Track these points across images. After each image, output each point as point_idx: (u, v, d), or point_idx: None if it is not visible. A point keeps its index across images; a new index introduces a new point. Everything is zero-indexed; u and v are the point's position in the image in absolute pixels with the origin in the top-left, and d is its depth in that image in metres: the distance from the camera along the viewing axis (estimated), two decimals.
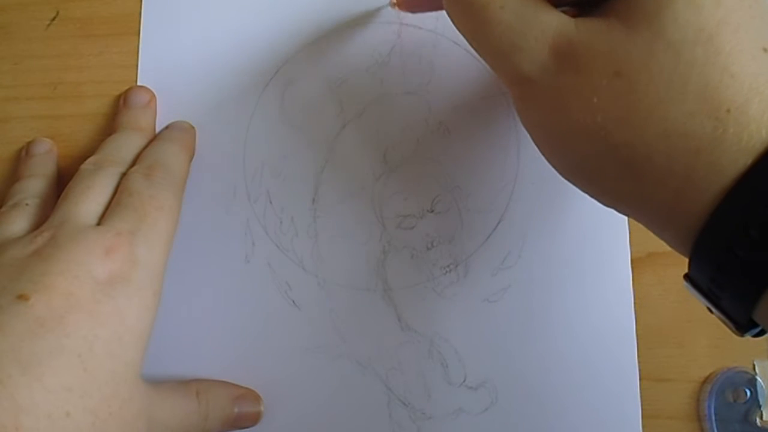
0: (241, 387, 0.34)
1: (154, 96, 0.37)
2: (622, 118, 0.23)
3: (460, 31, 0.27)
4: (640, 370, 0.34)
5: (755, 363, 0.33)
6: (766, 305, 0.21)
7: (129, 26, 0.38)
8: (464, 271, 0.35)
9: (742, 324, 0.23)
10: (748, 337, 0.23)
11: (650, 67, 0.22)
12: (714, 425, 0.33)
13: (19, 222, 0.32)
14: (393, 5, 0.35)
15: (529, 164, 0.35)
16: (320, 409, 0.35)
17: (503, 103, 0.36)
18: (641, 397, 0.33)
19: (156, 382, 0.31)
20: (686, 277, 0.24)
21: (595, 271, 0.35)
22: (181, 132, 0.36)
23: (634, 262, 0.34)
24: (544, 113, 0.25)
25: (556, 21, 0.24)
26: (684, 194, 0.22)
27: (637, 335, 0.34)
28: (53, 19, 0.39)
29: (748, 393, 0.33)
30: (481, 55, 0.27)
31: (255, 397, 0.34)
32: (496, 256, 0.35)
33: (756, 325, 0.23)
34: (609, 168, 0.24)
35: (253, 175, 0.37)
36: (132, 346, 0.28)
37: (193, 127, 0.37)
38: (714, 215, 0.22)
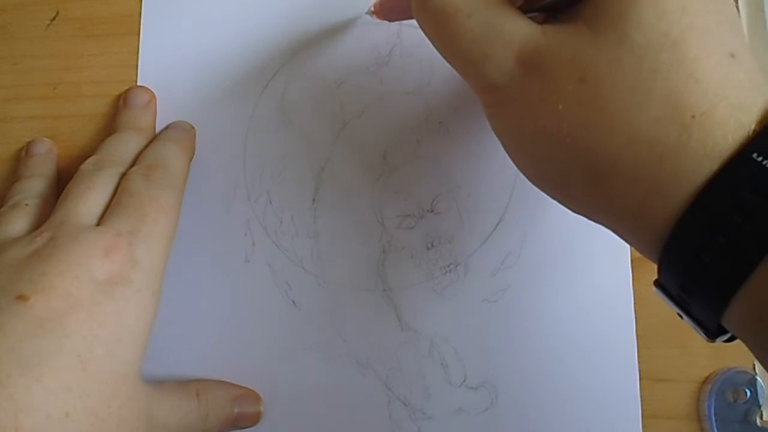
0: (241, 387, 0.34)
1: (154, 96, 0.37)
2: (587, 124, 0.23)
3: (429, 39, 0.27)
4: (640, 370, 0.34)
5: (755, 363, 0.33)
6: (734, 311, 0.21)
7: (129, 26, 0.38)
8: (464, 271, 0.35)
9: (712, 330, 0.23)
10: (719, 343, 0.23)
11: (614, 73, 0.22)
12: (714, 425, 0.33)
13: (18, 222, 0.32)
14: (371, 14, 0.35)
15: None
16: (320, 409, 0.35)
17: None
18: (641, 397, 0.33)
19: (156, 382, 0.31)
20: (656, 283, 0.24)
21: (595, 271, 0.35)
22: (181, 132, 0.36)
23: (634, 262, 0.34)
24: (512, 120, 0.25)
25: (523, 28, 0.24)
26: (650, 201, 0.22)
27: (637, 335, 0.34)
28: (53, 19, 0.39)
29: (748, 393, 0.33)
30: (450, 64, 0.27)
31: (255, 397, 0.34)
32: (496, 256, 0.35)
33: (725, 331, 0.22)
34: (575, 175, 0.24)
35: (253, 175, 0.37)
36: (131, 347, 0.28)
37: (193, 127, 0.37)
38: (681, 222, 0.22)
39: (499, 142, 0.36)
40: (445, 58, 0.27)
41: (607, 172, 0.23)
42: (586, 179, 0.24)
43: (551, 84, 0.23)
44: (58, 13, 0.39)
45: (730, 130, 0.21)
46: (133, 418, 0.28)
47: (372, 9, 0.35)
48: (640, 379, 0.34)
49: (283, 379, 0.35)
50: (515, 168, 0.35)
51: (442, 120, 0.36)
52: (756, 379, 0.33)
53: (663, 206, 0.22)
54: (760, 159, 0.20)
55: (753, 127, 0.21)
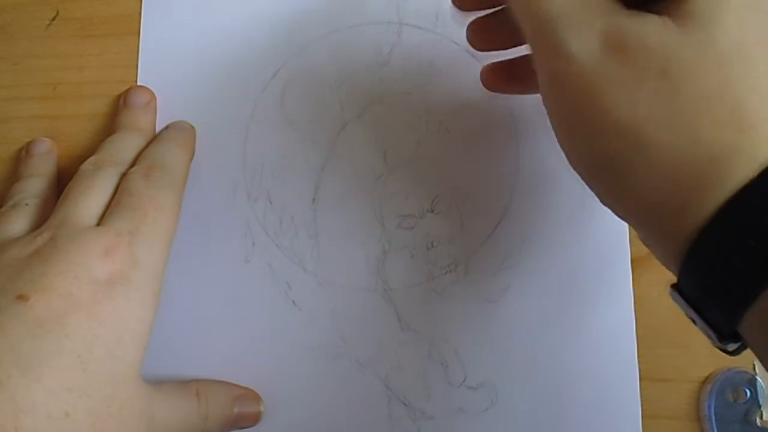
0: (241, 387, 0.34)
1: (154, 96, 0.37)
2: (660, 117, 0.23)
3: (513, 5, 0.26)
4: (640, 370, 0.34)
5: (755, 363, 0.33)
6: (756, 315, 0.21)
7: (129, 26, 0.38)
8: (464, 271, 0.35)
9: (725, 334, 0.23)
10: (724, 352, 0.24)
11: (696, 71, 0.23)
12: (714, 425, 0.33)
13: (18, 222, 0.32)
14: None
15: (529, 164, 0.35)
16: (320, 409, 0.35)
17: (503, 103, 0.36)
18: (641, 397, 0.33)
19: (156, 383, 0.31)
20: (674, 286, 0.24)
21: (595, 271, 0.35)
22: (181, 132, 0.36)
23: (634, 261, 0.34)
24: (576, 99, 0.25)
25: (612, 7, 0.24)
26: (692, 198, 0.22)
27: (637, 335, 0.34)
28: (53, 19, 0.39)
29: (748, 393, 0.33)
30: (526, 25, 0.26)
31: (255, 397, 0.34)
32: (497, 256, 0.35)
33: (735, 340, 0.23)
34: (630, 166, 0.24)
35: (253, 175, 0.37)
36: (132, 347, 0.28)
37: (193, 127, 0.37)
38: (715, 222, 0.22)
39: (498, 142, 0.36)
40: (523, 18, 0.26)
41: (665, 166, 0.23)
42: (638, 173, 0.24)
43: (632, 70, 0.23)
44: (58, 13, 0.39)
45: None
46: (133, 419, 0.28)
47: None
48: (640, 379, 0.34)
49: (283, 379, 0.35)
50: (515, 168, 0.35)
51: (442, 120, 0.36)
52: (756, 379, 0.33)
53: (701, 206, 0.22)
54: None
55: None
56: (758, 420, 0.32)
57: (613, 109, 0.24)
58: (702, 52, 0.23)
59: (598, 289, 0.34)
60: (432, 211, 0.36)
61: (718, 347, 0.24)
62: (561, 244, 0.35)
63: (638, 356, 0.34)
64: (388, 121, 0.36)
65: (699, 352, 0.34)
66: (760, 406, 0.33)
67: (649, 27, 0.24)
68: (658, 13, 0.24)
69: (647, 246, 0.26)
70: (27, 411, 0.24)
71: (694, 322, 0.24)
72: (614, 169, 0.24)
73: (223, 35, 0.38)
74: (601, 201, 0.26)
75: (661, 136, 0.23)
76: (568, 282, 0.35)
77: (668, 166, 0.23)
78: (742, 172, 0.22)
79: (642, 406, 0.33)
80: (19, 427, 0.24)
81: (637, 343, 0.34)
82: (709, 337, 0.24)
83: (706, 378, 0.34)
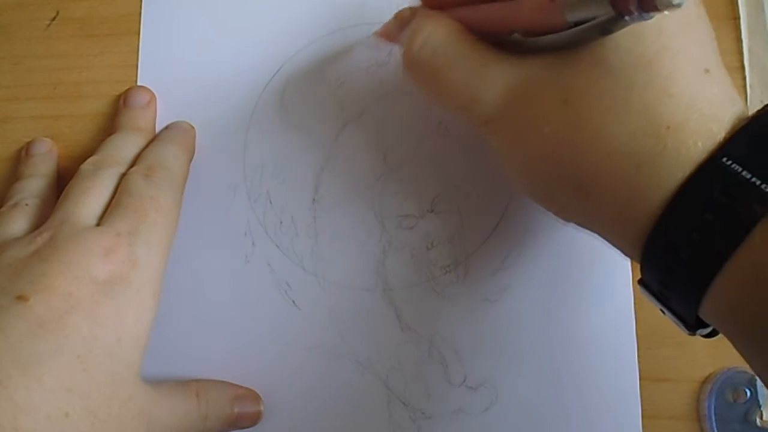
0: (241, 387, 0.34)
1: (154, 96, 0.37)
2: (570, 142, 0.25)
3: (422, 91, 0.30)
4: (640, 370, 0.34)
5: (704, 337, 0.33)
6: (709, 304, 0.23)
7: (129, 26, 0.38)
8: (464, 271, 0.35)
9: (691, 323, 0.24)
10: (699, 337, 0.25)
11: (593, 92, 0.24)
12: (714, 425, 0.33)
13: (18, 222, 0.32)
14: (378, 36, 0.36)
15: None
16: (320, 409, 0.35)
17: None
18: (641, 397, 0.33)
19: (156, 383, 0.31)
20: (640, 282, 0.26)
21: (595, 271, 0.35)
22: (181, 132, 0.36)
23: (634, 262, 0.34)
24: (505, 146, 0.28)
25: (505, 66, 0.27)
26: (630, 207, 0.24)
27: (637, 335, 0.34)
28: (53, 19, 0.39)
29: (748, 393, 0.33)
30: (443, 109, 0.29)
31: (255, 397, 0.34)
32: (496, 256, 0.35)
33: (704, 326, 0.24)
34: (561, 189, 0.26)
35: (253, 175, 0.37)
36: (131, 347, 0.28)
37: (192, 128, 0.37)
38: (659, 223, 0.23)
39: None
40: (440, 105, 0.30)
41: (590, 183, 0.25)
42: (571, 192, 0.26)
43: (536, 109, 0.26)
44: (58, 13, 0.39)
45: (702, 139, 0.23)
46: (132, 419, 0.28)
47: (378, 32, 0.35)
48: (640, 379, 0.34)
49: (283, 379, 0.35)
50: None
51: (442, 120, 0.36)
52: (756, 379, 0.33)
53: (642, 210, 0.24)
54: (729, 163, 0.22)
55: (723, 135, 0.23)
56: (758, 420, 0.33)
57: (533, 145, 0.26)
58: (594, 72, 0.24)
59: (598, 289, 0.34)
60: (432, 211, 0.36)
61: (690, 334, 0.25)
62: (560, 244, 0.35)
63: (638, 356, 0.34)
64: (388, 121, 0.36)
65: (699, 352, 0.34)
66: (760, 406, 0.33)
67: (545, 65, 0.26)
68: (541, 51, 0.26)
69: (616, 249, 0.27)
70: (26, 411, 0.24)
71: (663, 312, 0.26)
72: (552, 194, 0.27)
73: (223, 35, 0.38)
74: (560, 219, 0.28)
75: (578, 158, 0.25)
76: (567, 282, 0.35)
77: (594, 182, 0.25)
78: (672, 174, 0.23)
79: (642, 406, 0.33)
80: (19, 428, 0.24)
81: (637, 343, 0.34)
82: (678, 326, 0.25)
83: (706, 378, 0.34)
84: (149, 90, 0.37)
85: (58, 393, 0.25)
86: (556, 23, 0.24)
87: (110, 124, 0.37)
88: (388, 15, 0.37)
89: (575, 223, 0.27)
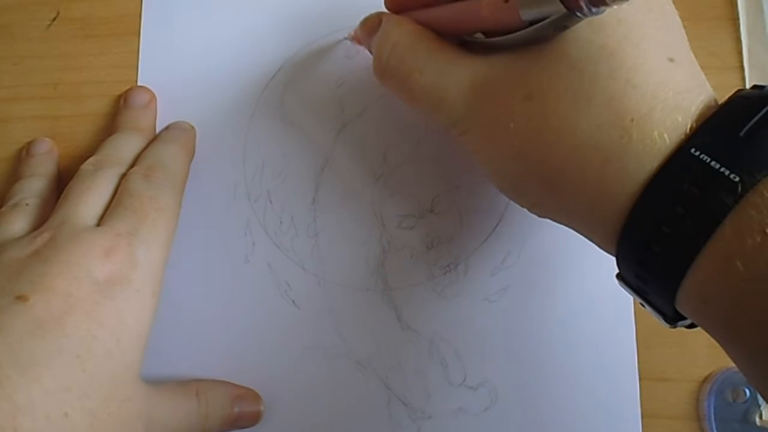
0: (241, 387, 0.34)
1: (154, 96, 0.37)
2: (535, 137, 0.25)
3: (396, 95, 0.30)
4: (640, 370, 0.34)
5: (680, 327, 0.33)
6: (683, 296, 0.23)
7: (129, 26, 0.39)
8: (464, 271, 0.35)
9: (670, 315, 0.24)
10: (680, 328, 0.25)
11: (556, 86, 0.24)
12: (713, 425, 0.33)
13: (18, 222, 0.32)
14: (351, 39, 0.37)
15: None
16: (320, 409, 0.35)
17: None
18: (641, 397, 0.33)
19: (156, 383, 0.31)
20: (618, 276, 0.26)
21: (594, 271, 0.35)
22: (181, 132, 0.36)
23: None
24: (477, 144, 0.28)
25: (471, 66, 0.27)
26: (600, 201, 0.24)
27: (637, 335, 0.34)
28: (54, 19, 0.39)
29: (748, 392, 0.33)
30: (419, 107, 0.29)
31: (255, 397, 0.34)
32: (496, 256, 0.35)
33: (683, 318, 0.24)
34: (530, 184, 0.26)
35: (253, 175, 0.37)
36: (131, 347, 0.28)
37: (193, 128, 0.37)
38: (629, 217, 0.23)
39: None
40: (411, 107, 0.30)
41: (557, 178, 0.25)
42: (541, 187, 0.25)
43: (501, 106, 0.25)
44: (58, 13, 0.39)
45: (668, 130, 0.22)
46: (132, 419, 0.28)
47: (351, 35, 0.36)
48: (640, 379, 0.34)
49: (283, 379, 0.35)
50: None
51: None
52: None
53: (612, 204, 0.23)
54: (698, 154, 0.21)
55: (690, 124, 0.23)
56: (757, 419, 0.33)
57: (501, 142, 0.26)
58: (557, 67, 0.24)
59: (597, 289, 0.34)
60: (432, 211, 0.36)
61: (671, 327, 0.25)
62: (560, 244, 0.35)
63: (638, 356, 0.34)
64: (388, 121, 0.36)
65: (699, 352, 0.34)
66: (759, 406, 0.33)
67: (508, 62, 0.26)
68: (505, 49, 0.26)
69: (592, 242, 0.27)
70: (26, 411, 0.24)
71: (643, 306, 0.25)
72: (522, 189, 0.27)
73: (223, 35, 0.38)
74: (535, 215, 0.28)
75: (544, 153, 0.25)
76: (567, 282, 0.35)
77: (561, 177, 0.24)
78: (640, 167, 0.23)
79: (642, 405, 0.33)
80: (18, 428, 0.24)
81: (637, 343, 0.34)
82: (658, 319, 0.25)
83: (706, 378, 0.34)
84: (149, 90, 0.37)
85: (57, 393, 0.25)
86: (513, 22, 0.24)
87: (110, 124, 0.37)
88: None
89: (550, 218, 0.27)
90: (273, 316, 0.35)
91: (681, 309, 0.23)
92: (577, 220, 0.26)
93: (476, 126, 0.27)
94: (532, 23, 0.24)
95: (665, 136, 0.22)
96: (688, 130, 0.23)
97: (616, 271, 0.26)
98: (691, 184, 0.21)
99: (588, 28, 0.24)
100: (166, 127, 0.37)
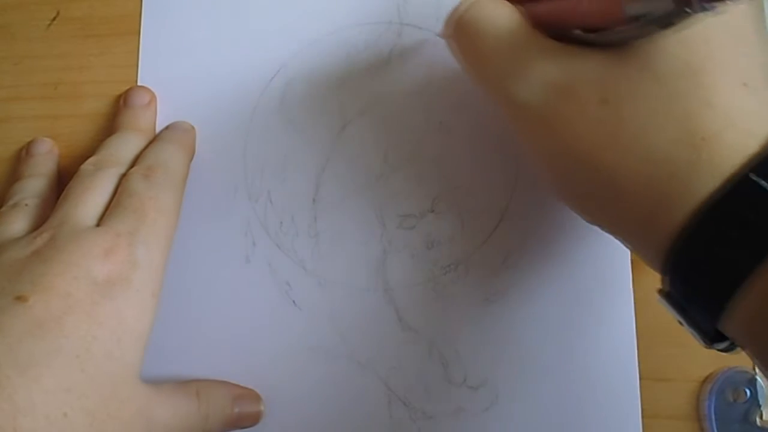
0: (241, 387, 0.34)
1: (154, 96, 0.37)
2: (607, 144, 0.24)
3: (456, 57, 0.29)
4: (640, 370, 0.34)
5: (720, 351, 0.33)
6: (730, 316, 0.23)
7: (129, 26, 0.38)
8: (465, 271, 0.35)
9: (710, 335, 0.24)
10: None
11: (635, 95, 0.24)
12: (714, 425, 0.33)
13: (18, 222, 0.32)
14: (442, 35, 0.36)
15: (528, 164, 0.35)
16: (320, 409, 0.35)
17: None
18: (641, 396, 0.33)
19: (156, 383, 0.31)
20: (660, 291, 0.26)
21: (595, 270, 0.35)
22: (181, 132, 0.36)
23: (634, 261, 0.34)
24: (537, 138, 0.27)
25: (551, 51, 0.26)
26: (657, 215, 0.24)
27: (637, 335, 0.34)
28: (54, 19, 0.39)
29: (748, 393, 0.33)
30: (475, 81, 0.29)
31: (255, 397, 0.34)
32: (497, 256, 0.35)
33: (722, 339, 0.24)
34: (593, 190, 0.26)
35: (253, 175, 0.37)
36: (131, 348, 0.28)
37: (193, 128, 0.37)
38: (683, 234, 0.23)
39: (498, 142, 0.36)
40: (472, 75, 0.29)
41: (622, 186, 0.24)
42: (603, 195, 0.25)
43: (575, 104, 0.25)
44: (58, 13, 0.39)
45: (734, 152, 0.23)
46: (132, 419, 0.28)
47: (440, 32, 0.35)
48: (640, 379, 0.34)
49: (283, 379, 0.35)
50: (515, 168, 0.35)
51: (442, 120, 0.36)
52: (756, 379, 0.33)
53: (669, 220, 0.23)
54: (758, 179, 0.22)
55: (756, 150, 0.23)
56: (758, 420, 0.32)
57: (567, 141, 0.25)
58: (639, 76, 0.24)
59: (598, 289, 0.34)
60: (432, 211, 0.36)
61: (708, 347, 0.25)
62: (561, 244, 0.35)
63: (638, 356, 0.34)
64: (389, 121, 0.36)
65: (699, 352, 0.34)
66: (760, 406, 0.33)
67: (588, 62, 0.25)
68: (600, 46, 0.25)
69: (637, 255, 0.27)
70: (25, 411, 0.24)
71: (681, 323, 0.25)
72: (583, 195, 0.27)
73: (223, 35, 0.38)
74: (584, 220, 0.28)
75: (614, 160, 0.24)
76: (568, 282, 0.35)
77: (626, 186, 0.24)
78: (703, 186, 0.23)
79: (642, 406, 0.33)
80: (18, 428, 0.24)
81: (637, 343, 0.34)
82: (696, 338, 0.25)
83: (706, 378, 0.34)
84: (149, 90, 0.37)
85: (56, 393, 0.25)
86: (616, 18, 0.24)
87: (110, 124, 0.37)
88: (388, 15, 0.37)
89: (598, 225, 0.27)
90: (273, 316, 0.35)
91: (725, 330, 0.23)
92: (628, 230, 0.26)
93: (540, 116, 0.26)
94: (636, 19, 0.23)
95: (731, 158, 0.23)
96: (753, 155, 0.23)
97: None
98: (748, 208, 0.22)
99: (675, 42, 0.24)
100: (166, 127, 0.37)
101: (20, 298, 0.26)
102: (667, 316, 0.33)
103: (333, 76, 0.37)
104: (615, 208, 0.25)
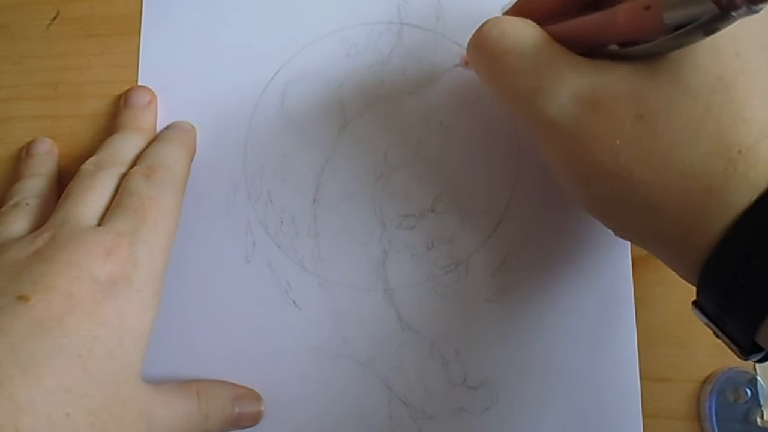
0: (242, 387, 0.34)
1: (154, 96, 0.37)
2: (643, 159, 0.24)
3: (482, 78, 0.29)
4: (640, 370, 0.34)
5: (755, 363, 0.33)
6: (766, 330, 0.23)
7: (129, 26, 0.38)
8: (465, 271, 0.35)
9: (746, 347, 0.24)
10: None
11: (670, 111, 0.24)
12: (714, 425, 0.33)
13: (19, 222, 0.32)
14: (463, 65, 0.36)
15: (529, 164, 0.35)
16: (321, 409, 0.35)
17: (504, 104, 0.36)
18: (641, 396, 0.33)
19: (156, 383, 0.31)
20: (694, 303, 0.26)
21: (595, 271, 0.35)
22: (182, 132, 0.36)
23: (634, 261, 0.34)
24: (567, 154, 0.27)
25: (577, 65, 0.26)
26: (695, 228, 0.24)
27: (637, 335, 0.34)
28: (54, 18, 0.39)
29: (749, 393, 0.33)
30: (502, 100, 0.28)
31: (255, 397, 0.34)
32: (497, 256, 0.35)
33: (758, 350, 0.24)
34: (629, 205, 0.25)
35: (253, 175, 0.37)
36: (132, 347, 0.28)
37: (193, 128, 0.37)
38: (720, 246, 0.23)
39: (498, 142, 0.36)
40: (498, 94, 0.29)
41: (659, 202, 0.24)
42: (638, 209, 0.25)
43: (608, 120, 0.25)
44: (58, 13, 0.39)
45: None
46: (133, 419, 0.28)
47: (460, 63, 0.36)
48: (640, 379, 0.34)
49: (284, 379, 0.35)
50: (515, 168, 0.35)
51: (443, 120, 0.36)
52: (756, 379, 0.33)
53: (706, 232, 0.24)
54: None
55: None
56: (759, 420, 0.32)
57: (600, 157, 0.25)
58: (672, 91, 0.24)
59: (598, 289, 0.34)
60: (432, 211, 0.36)
61: (744, 359, 0.25)
62: (561, 244, 0.35)
63: (639, 356, 0.34)
64: (389, 121, 0.36)
65: (699, 352, 0.34)
66: (760, 406, 0.33)
67: (620, 76, 0.25)
68: (633, 60, 0.25)
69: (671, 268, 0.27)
70: (27, 411, 0.24)
71: (716, 335, 0.25)
72: (617, 210, 0.26)
73: (223, 35, 0.38)
74: (617, 235, 0.28)
75: (650, 175, 0.24)
76: (567, 282, 0.35)
77: (663, 201, 0.24)
78: (739, 199, 0.23)
79: (642, 406, 0.33)
80: (19, 428, 0.24)
81: (638, 342, 0.34)
82: (732, 350, 0.25)
83: (707, 378, 0.34)
84: (150, 90, 0.37)
85: (58, 393, 0.25)
86: (655, 28, 0.23)
87: (111, 124, 0.37)
88: (388, 15, 0.37)
89: (629, 239, 0.27)
90: (273, 316, 0.35)
91: (762, 342, 0.24)
92: (664, 245, 0.26)
93: (571, 133, 0.26)
94: (676, 28, 0.23)
95: (767, 171, 0.23)
96: None
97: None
98: None
99: (706, 56, 0.24)
100: (167, 127, 0.37)
101: (22, 298, 0.26)
102: (667, 316, 0.34)
103: (333, 76, 0.37)
104: (650, 222, 0.25)
